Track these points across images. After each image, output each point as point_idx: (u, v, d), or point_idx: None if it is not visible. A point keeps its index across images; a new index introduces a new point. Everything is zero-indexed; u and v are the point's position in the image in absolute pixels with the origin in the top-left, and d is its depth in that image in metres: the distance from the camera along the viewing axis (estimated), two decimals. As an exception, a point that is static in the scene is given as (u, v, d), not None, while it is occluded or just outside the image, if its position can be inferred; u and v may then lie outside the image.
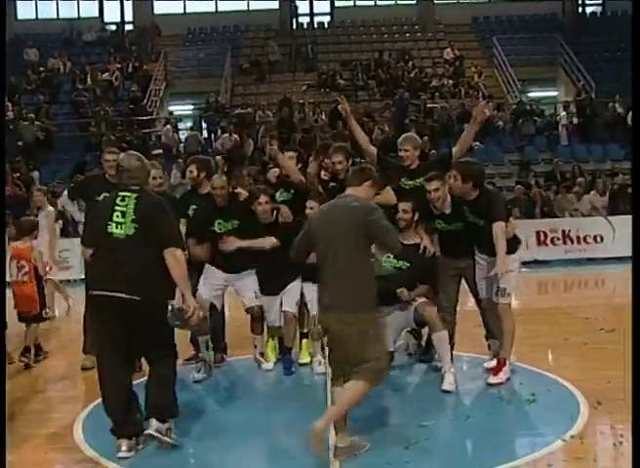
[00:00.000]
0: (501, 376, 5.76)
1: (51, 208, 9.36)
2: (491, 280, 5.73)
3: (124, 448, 4.45)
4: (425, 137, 15.58)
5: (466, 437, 4.81)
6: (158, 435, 4.46)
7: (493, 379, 5.77)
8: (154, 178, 6.05)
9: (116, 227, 4.49)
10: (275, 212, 6.25)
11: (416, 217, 5.93)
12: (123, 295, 4.36)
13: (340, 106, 6.45)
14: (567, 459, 4.35)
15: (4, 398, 4.15)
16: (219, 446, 4.79)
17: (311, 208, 5.96)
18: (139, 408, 4.60)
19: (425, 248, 5.90)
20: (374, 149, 6.45)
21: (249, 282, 6.31)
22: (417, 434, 4.76)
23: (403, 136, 6.51)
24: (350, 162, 6.14)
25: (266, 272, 6.26)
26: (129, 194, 4.60)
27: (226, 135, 16.99)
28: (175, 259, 4.46)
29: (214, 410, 5.57)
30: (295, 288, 6.31)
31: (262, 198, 6.21)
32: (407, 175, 6.14)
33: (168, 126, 18.08)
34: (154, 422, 4.49)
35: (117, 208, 4.54)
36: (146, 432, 4.49)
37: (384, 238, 4.34)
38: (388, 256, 5.85)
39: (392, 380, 6.08)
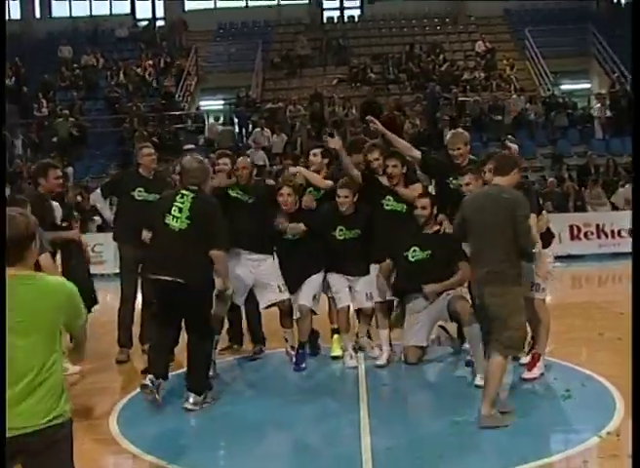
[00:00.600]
0: (535, 372, 5.73)
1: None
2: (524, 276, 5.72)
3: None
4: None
5: (499, 433, 4.75)
6: (194, 407, 5.15)
7: (527, 374, 5.73)
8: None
9: (172, 220, 5.17)
10: (298, 201, 6.27)
11: (434, 212, 6.00)
12: (168, 278, 5.06)
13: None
14: (603, 456, 4.32)
15: (4, 398, 4.21)
16: (251, 438, 4.83)
17: (346, 196, 6.04)
18: None
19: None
20: (417, 153, 6.41)
21: (272, 275, 6.26)
22: (449, 429, 4.75)
23: (451, 133, 6.49)
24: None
25: (290, 267, 6.24)
26: (187, 193, 5.23)
27: (258, 129, 17.04)
28: (220, 257, 5.22)
29: (246, 403, 5.60)
30: (314, 281, 6.27)
31: (284, 190, 6.21)
32: (455, 174, 6.06)
33: (212, 120, 18.16)
34: (192, 397, 5.16)
35: (176, 203, 5.19)
36: (184, 406, 5.15)
37: (521, 239, 4.71)
38: (415, 250, 5.94)
39: (424, 375, 6.09)
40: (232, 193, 6.27)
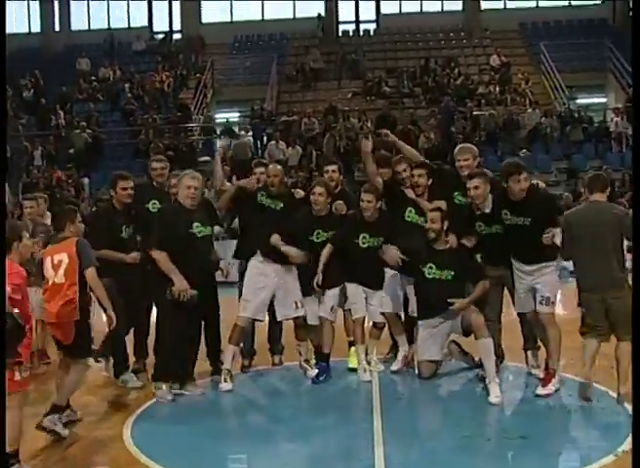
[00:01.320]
0: (551, 387, 5.69)
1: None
2: (532, 292, 5.75)
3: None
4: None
5: (512, 449, 4.73)
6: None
7: (542, 390, 5.69)
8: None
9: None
10: (330, 204, 6.27)
11: (445, 226, 5.93)
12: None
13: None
14: (618, 474, 4.27)
15: (4, 398, 4.22)
16: (266, 450, 4.83)
17: (369, 201, 6.11)
18: None
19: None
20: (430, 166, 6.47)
21: (292, 291, 6.30)
22: (459, 444, 4.73)
23: (460, 146, 6.53)
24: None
25: (307, 272, 6.24)
26: None
27: (273, 142, 17.12)
28: (156, 257, 5.70)
29: (260, 416, 5.60)
30: (333, 293, 6.30)
31: (318, 189, 6.19)
32: (462, 191, 6.07)
33: (242, 131, 18.16)
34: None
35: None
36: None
37: (630, 236, 5.34)
38: (431, 268, 5.92)
39: (437, 389, 6.06)
40: (263, 201, 6.33)
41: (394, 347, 6.64)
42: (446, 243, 6.00)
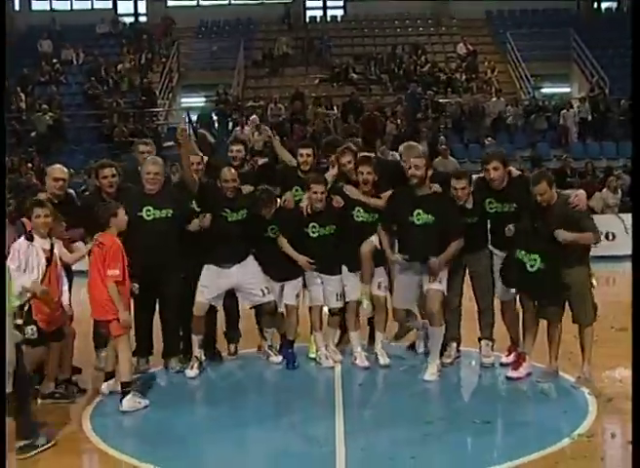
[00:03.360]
0: (522, 371, 5.81)
1: None
2: None
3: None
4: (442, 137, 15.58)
5: (472, 433, 4.80)
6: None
7: (512, 373, 5.82)
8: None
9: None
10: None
11: (428, 174, 5.89)
12: None
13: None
14: (575, 457, 4.35)
15: (4, 399, 4.20)
16: (226, 437, 4.83)
17: (322, 192, 6.13)
18: None
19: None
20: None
21: (255, 280, 6.27)
22: (421, 430, 4.78)
23: (406, 145, 6.53)
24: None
25: (272, 257, 6.25)
26: None
27: (238, 128, 16.98)
28: None
29: (221, 404, 5.59)
30: (295, 280, 6.32)
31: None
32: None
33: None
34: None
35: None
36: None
37: None
38: (419, 214, 5.81)
39: (398, 376, 6.10)
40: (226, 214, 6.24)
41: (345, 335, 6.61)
42: (429, 188, 5.91)
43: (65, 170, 6.20)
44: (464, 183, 5.85)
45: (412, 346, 6.63)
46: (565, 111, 17.34)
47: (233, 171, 6.24)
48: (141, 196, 6.00)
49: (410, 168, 5.85)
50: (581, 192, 5.71)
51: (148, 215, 5.97)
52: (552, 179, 5.63)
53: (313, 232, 6.20)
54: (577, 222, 5.50)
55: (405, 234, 5.93)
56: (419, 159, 5.86)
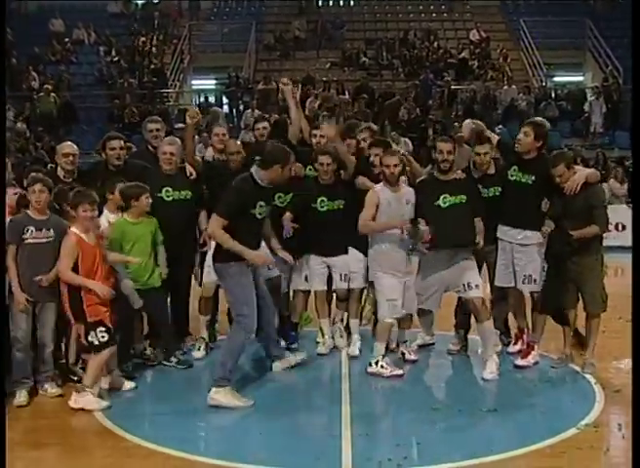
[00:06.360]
0: (530, 360, 5.82)
1: None
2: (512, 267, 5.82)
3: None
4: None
5: (478, 421, 4.81)
6: None
7: (521, 361, 5.82)
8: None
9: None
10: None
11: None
12: None
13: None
14: (581, 447, 4.34)
15: (4, 397, 4.23)
16: (231, 421, 4.85)
17: (328, 164, 6.00)
18: None
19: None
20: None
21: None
22: (428, 416, 4.79)
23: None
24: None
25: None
26: None
27: (249, 110, 16.94)
28: None
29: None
30: (302, 263, 6.23)
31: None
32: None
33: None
34: None
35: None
36: None
37: None
38: (445, 197, 5.64)
39: (406, 364, 6.09)
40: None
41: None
42: (454, 173, 5.79)
43: (75, 146, 6.17)
44: (487, 148, 5.84)
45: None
46: (593, 99, 17.16)
47: (238, 142, 6.18)
48: (160, 176, 6.00)
49: (440, 153, 5.70)
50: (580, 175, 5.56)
51: (168, 196, 5.96)
52: (571, 160, 5.62)
53: (322, 206, 6.10)
54: (589, 210, 5.47)
55: (434, 220, 5.64)
56: (449, 144, 5.73)
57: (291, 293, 6.46)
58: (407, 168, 5.92)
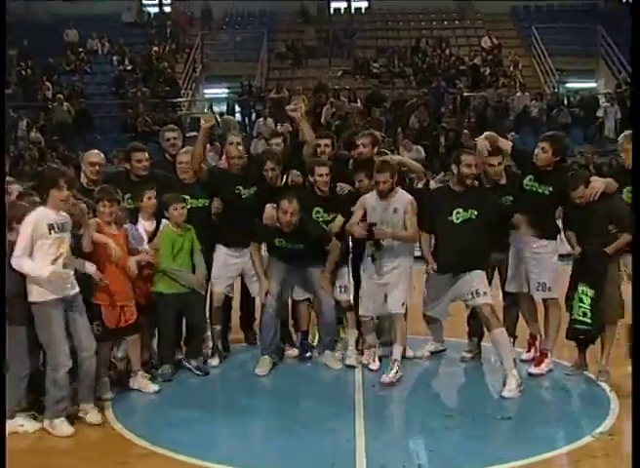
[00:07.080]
0: (543, 368, 5.80)
1: None
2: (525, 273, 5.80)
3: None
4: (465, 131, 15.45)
5: (492, 429, 4.80)
6: None
7: (534, 370, 5.79)
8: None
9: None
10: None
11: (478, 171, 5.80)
12: None
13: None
14: (597, 455, 4.32)
15: (4, 396, 4.25)
16: (245, 429, 4.86)
17: (327, 174, 5.99)
18: None
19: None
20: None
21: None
22: (441, 424, 4.78)
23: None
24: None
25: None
26: None
27: (261, 119, 17.00)
28: None
29: (240, 395, 5.62)
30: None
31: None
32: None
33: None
34: None
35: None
36: None
37: None
38: (458, 212, 5.61)
39: (418, 370, 6.09)
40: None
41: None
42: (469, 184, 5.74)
43: (102, 155, 6.14)
44: (500, 159, 5.83)
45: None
46: (609, 106, 17.10)
47: (241, 148, 6.20)
48: (179, 184, 6.08)
49: (468, 167, 5.62)
50: (598, 184, 5.50)
51: (187, 204, 5.97)
52: (588, 178, 5.58)
53: (317, 218, 6.08)
54: (620, 220, 5.42)
55: (444, 237, 5.69)
56: (471, 156, 5.68)
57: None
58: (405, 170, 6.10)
